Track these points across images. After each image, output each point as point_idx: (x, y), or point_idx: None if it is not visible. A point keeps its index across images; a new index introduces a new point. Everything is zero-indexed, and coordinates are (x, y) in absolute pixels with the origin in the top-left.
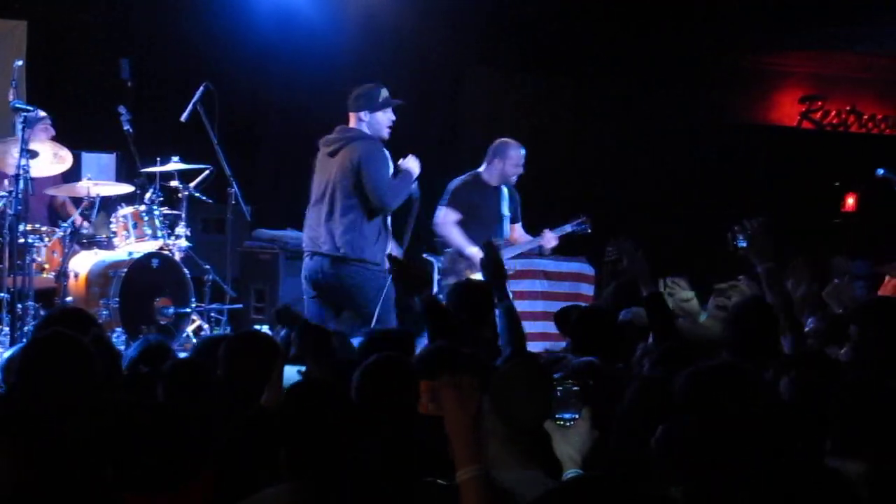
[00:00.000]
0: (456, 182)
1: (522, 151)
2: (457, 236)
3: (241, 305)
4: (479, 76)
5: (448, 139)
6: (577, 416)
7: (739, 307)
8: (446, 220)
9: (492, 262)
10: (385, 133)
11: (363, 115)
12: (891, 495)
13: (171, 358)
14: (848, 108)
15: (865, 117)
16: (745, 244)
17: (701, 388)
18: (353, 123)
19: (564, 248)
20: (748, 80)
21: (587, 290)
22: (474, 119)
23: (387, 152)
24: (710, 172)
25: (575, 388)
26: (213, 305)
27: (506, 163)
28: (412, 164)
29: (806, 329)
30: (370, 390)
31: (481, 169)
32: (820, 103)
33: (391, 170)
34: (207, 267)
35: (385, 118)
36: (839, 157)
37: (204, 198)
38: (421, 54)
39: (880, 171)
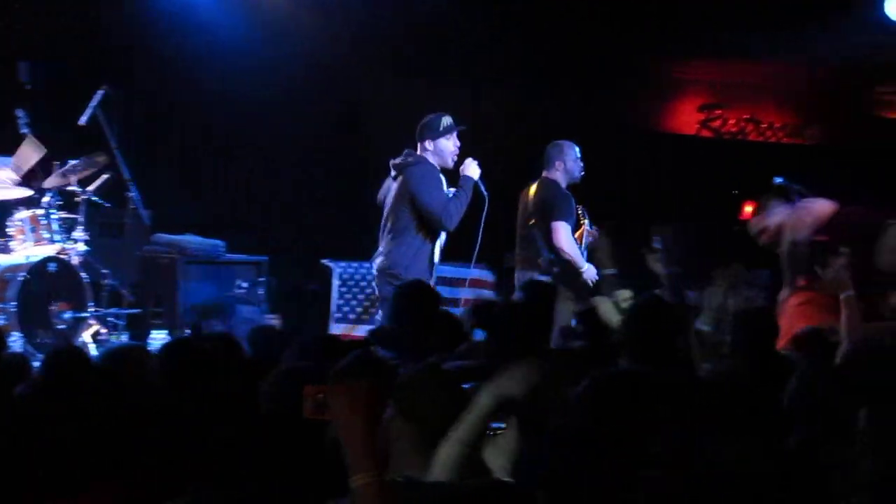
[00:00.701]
0: (552, 191)
1: (576, 148)
2: (577, 254)
3: (139, 310)
4: (389, 84)
5: (360, 147)
6: (503, 426)
7: (636, 308)
8: (570, 235)
9: None
10: (450, 161)
11: (427, 143)
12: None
13: (83, 368)
14: (747, 116)
15: (764, 126)
16: (660, 246)
17: (598, 397)
18: (419, 152)
19: (465, 255)
20: (648, 88)
21: (488, 296)
22: (383, 127)
23: (441, 175)
24: (608, 179)
25: None
26: (112, 310)
27: (567, 161)
28: (471, 170)
29: None
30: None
31: (548, 176)
32: (719, 112)
33: (445, 189)
34: (106, 271)
35: (450, 144)
36: (738, 165)
37: (102, 202)
38: (330, 62)
39: (778, 180)
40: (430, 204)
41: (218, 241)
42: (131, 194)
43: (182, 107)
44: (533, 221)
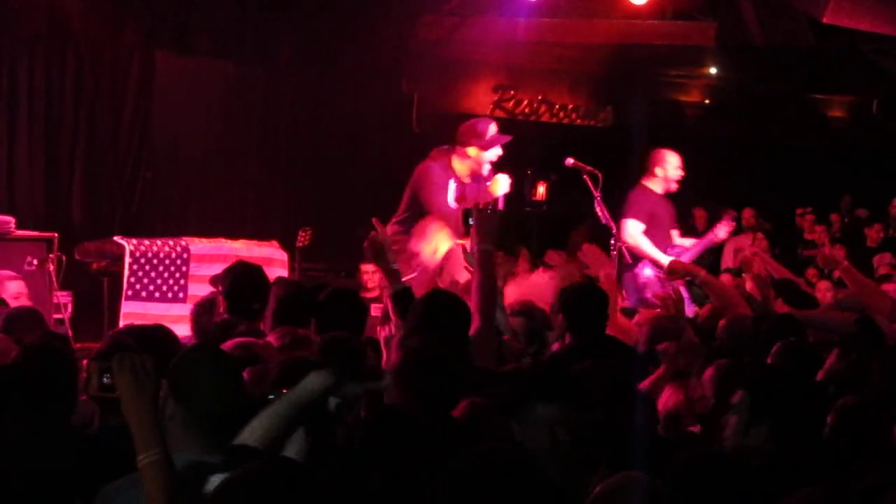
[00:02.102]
0: (632, 194)
1: (675, 155)
2: (650, 247)
3: None
4: (169, 62)
5: (140, 126)
6: None
7: (394, 295)
8: (634, 231)
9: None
10: (486, 171)
11: (469, 150)
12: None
13: None
14: (540, 97)
15: (557, 107)
16: (473, 223)
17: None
18: (457, 154)
19: (257, 232)
20: (442, 70)
21: (280, 274)
22: (166, 106)
23: (450, 180)
24: (403, 162)
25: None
26: None
27: (667, 169)
28: (499, 185)
29: None
30: None
31: (644, 181)
32: (512, 93)
33: (451, 190)
34: None
35: (492, 155)
36: (531, 145)
37: None
38: (108, 38)
39: (570, 161)
40: (430, 208)
41: (7, 217)
42: None
43: None
44: None
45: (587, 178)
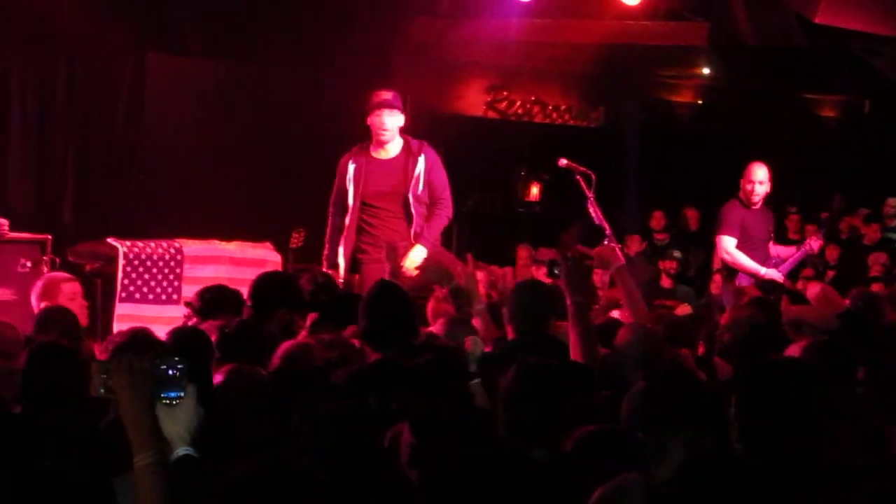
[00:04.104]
0: (723, 209)
1: (758, 168)
2: (746, 260)
3: None
4: (161, 62)
5: (132, 127)
6: (182, 395)
7: (368, 294)
8: (729, 246)
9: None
10: (380, 138)
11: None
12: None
13: None
14: (532, 98)
15: (549, 107)
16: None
17: None
18: None
19: (251, 233)
20: (435, 71)
21: None
22: (157, 106)
23: (349, 166)
24: None
25: (180, 366)
26: None
27: (743, 182)
28: (412, 260)
29: None
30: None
31: (739, 194)
32: (505, 93)
33: (346, 180)
34: None
35: (372, 121)
36: (525, 146)
37: None
38: (99, 39)
39: (563, 161)
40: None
41: (1, 220)
42: None
43: None
44: None
45: (580, 179)
